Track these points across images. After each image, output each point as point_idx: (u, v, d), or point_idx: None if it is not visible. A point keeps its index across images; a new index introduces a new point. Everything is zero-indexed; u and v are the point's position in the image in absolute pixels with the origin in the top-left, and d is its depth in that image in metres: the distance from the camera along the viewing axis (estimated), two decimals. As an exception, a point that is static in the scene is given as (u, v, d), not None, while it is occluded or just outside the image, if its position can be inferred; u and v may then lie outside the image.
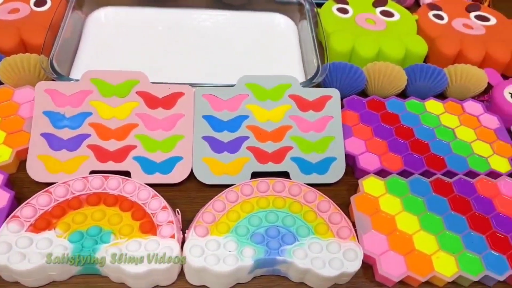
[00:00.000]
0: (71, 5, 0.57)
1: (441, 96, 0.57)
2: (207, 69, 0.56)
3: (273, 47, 0.61)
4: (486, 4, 0.72)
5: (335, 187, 0.48)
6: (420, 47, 0.58)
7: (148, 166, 0.45)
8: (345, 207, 0.45)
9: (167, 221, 0.40)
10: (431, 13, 0.65)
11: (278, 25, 0.65)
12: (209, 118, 0.48)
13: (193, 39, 0.61)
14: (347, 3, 0.65)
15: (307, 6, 0.62)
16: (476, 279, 0.40)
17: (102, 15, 0.62)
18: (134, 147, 0.46)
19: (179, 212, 0.41)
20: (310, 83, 0.51)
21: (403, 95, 0.57)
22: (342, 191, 0.48)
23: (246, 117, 0.48)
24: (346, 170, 0.49)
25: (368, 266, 0.42)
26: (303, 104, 0.49)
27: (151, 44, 0.59)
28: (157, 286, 0.39)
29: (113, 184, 0.42)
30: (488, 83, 0.57)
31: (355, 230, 0.42)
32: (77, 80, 0.47)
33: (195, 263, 0.37)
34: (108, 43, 0.58)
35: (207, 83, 0.49)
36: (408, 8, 0.71)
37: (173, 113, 0.47)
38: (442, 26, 0.63)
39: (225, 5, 0.66)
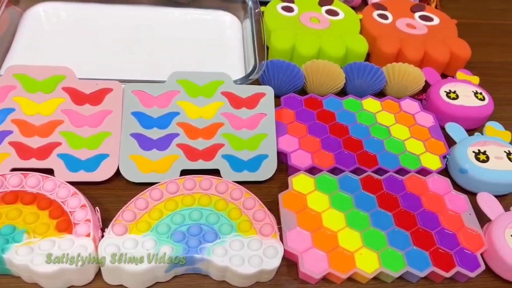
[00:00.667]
0: (3, 3, 0.55)
1: (381, 95, 0.58)
2: (145, 66, 0.56)
3: (217, 44, 0.61)
4: (433, 5, 0.73)
5: (267, 184, 0.47)
6: (361, 46, 0.58)
7: (72, 163, 0.44)
8: (276, 205, 0.45)
9: (84, 219, 0.39)
10: (375, 13, 0.66)
11: (223, 23, 0.65)
12: (138, 115, 0.47)
13: (134, 36, 0.60)
14: (293, 2, 0.65)
15: (250, 4, 0.61)
16: (397, 275, 0.40)
17: (41, 10, 0.60)
18: (58, 144, 0.44)
19: (98, 210, 0.40)
20: (246, 80, 0.51)
21: (344, 93, 0.57)
22: (274, 188, 0.47)
23: (176, 113, 0.47)
24: (280, 167, 0.48)
25: (292, 263, 0.41)
26: (236, 101, 0.49)
27: (89, 40, 0.58)
28: (72, 286, 0.38)
29: (32, 182, 0.41)
30: (427, 82, 0.57)
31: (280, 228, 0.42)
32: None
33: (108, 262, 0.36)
34: (43, 39, 0.57)
35: (137, 79, 0.48)
36: (355, 7, 0.72)
37: (100, 110, 0.46)
38: (385, 25, 0.63)
39: (172, 3, 0.65)
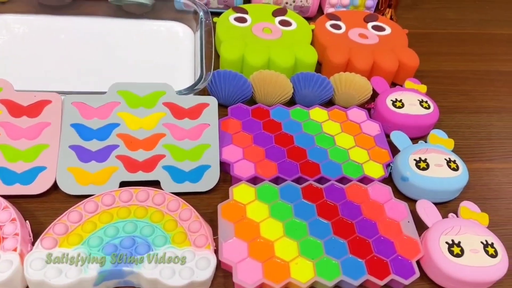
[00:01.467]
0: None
1: (330, 104, 0.58)
2: (92, 78, 0.55)
3: (169, 56, 0.61)
4: (388, 15, 0.74)
5: (210, 195, 0.47)
6: (310, 56, 0.59)
7: (7, 176, 0.43)
8: (217, 215, 0.45)
9: (13, 233, 0.38)
10: (328, 23, 0.66)
11: (176, 33, 0.65)
12: (77, 127, 0.46)
13: (83, 47, 0.60)
14: (246, 13, 0.65)
15: (201, 14, 0.62)
16: (331, 284, 0.40)
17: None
18: (-7, 157, 0.44)
19: (29, 223, 0.40)
20: (192, 90, 0.51)
21: (293, 103, 0.57)
22: (217, 199, 0.47)
23: (116, 125, 0.47)
24: (224, 178, 0.48)
25: (229, 274, 0.41)
26: (178, 112, 0.49)
27: (37, 51, 0.58)
28: (-2, 302, 0.37)
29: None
30: (375, 91, 0.58)
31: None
32: None
33: (33, 276, 0.36)
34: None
35: (77, 91, 0.48)
36: (311, 18, 0.72)
37: (38, 122, 0.46)
38: (336, 35, 0.64)
39: (126, 14, 0.65)
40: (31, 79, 0.53)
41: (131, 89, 0.48)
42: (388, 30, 0.66)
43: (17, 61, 0.56)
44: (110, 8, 0.65)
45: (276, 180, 0.48)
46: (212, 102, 0.50)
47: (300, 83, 0.56)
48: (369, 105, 0.58)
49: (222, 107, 0.54)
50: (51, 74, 0.55)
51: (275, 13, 0.66)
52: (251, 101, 0.57)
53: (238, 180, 0.47)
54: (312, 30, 0.65)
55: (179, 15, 0.66)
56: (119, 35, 0.63)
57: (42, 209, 0.44)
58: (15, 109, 0.45)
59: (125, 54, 0.60)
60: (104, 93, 0.48)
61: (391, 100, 0.56)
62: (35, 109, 0.46)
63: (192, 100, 0.49)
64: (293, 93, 0.56)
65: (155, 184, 0.46)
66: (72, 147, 0.45)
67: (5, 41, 0.59)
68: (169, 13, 0.66)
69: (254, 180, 0.47)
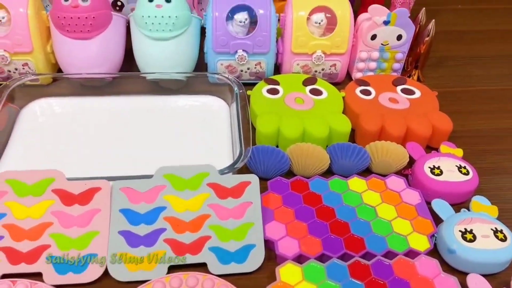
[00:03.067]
0: (2, 100, 0.59)
1: (367, 170, 0.59)
2: (134, 159, 0.57)
3: (205, 130, 0.63)
4: (415, 77, 0.76)
5: (256, 275, 0.47)
6: (344, 126, 0.60)
7: (60, 266, 0.45)
8: (265, 296, 0.45)
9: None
10: (358, 89, 0.68)
11: (212, 107, 0.67)
12: (126, 212, 0.48)
13: (124, 128, 0.62)
14: (278, 84, 0.68)
15: (236, 89, 0.64)
16: None
17: (36, 107, 0.64)
18: (47, 246, 0.45)
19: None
20: (232, 168, 0.52)
21: (330, 172, 0.58)
22: (263, 279, 0.47)
23: (163, 208, 0.48)
24: (268, 255, 0.49)
25: None
26: (221, 192, 0.50)
27: (81, 134, 0.61)
28: None
29: (20, 289, 0.42)
30: (411, 157, 0.58)
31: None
32: (-6, 182, 0.48)
33: None
34: (38, 135, 0.60)
35: (125, 175, 0.50)
36: (339, 83, 0.74)
37: (89, 209, 0.47)
38: (367, 101, 0.65)
39: (164, 90, 0.68)
40: (76, 163, 0.55)
41: (176, 172, 0.50)
42: (417, 93, 0.68)
43: (61, 144, 0.59)
44: (148, 84, 0.68)
45: (321, 257, 0.48)
46: (253, 180, 0.51)
47: (337, 154, 0.57)
48: (406, 171, 0.58)
49: (261, 179, 0.55)
50: (95, 156, 0.58)
51: (306, 83, 0.68)
52: (289, 172, 0.58)
53: (283, 258, 0.47)
54: (343, 98, 0.66)
55: (214, 89, 0.68)
56: (157, 112, 0.65)
57: (94, 297, 0.45)
58: (67, 198, 0.47)
59: (164, 131, 0.62)
60: (150, 176, 0.50)
61: (429, 167, 0.56)
62: (86, 196, 0.48)
63: (234, 179, 0.51)
64: (330, 163, 0.57)
65: (202, 266, 0.46)
66: (121, 232, 0.47)
67: (50, 124, 0.62)
68: (204, 87, 0.68)
69: (299, 258, 0.48)
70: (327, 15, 0.69)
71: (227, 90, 0.67)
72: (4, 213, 0.46)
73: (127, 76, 0.68)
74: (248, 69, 0.70)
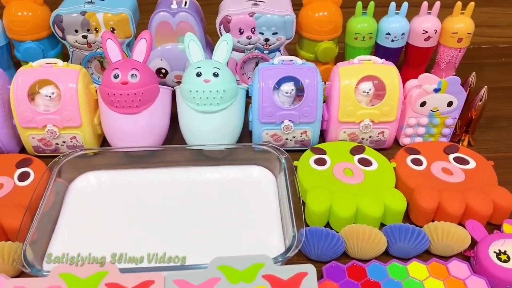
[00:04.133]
0: (52, 180, 0.59)
1: (426, 252, 0.56)
2: (183, 241, 0.56)
3: (254, 206, 0.61)
4: (465, 142, 0.73)
5: None
6: (399, 204, 0.57)
7: None
8: None
9: None
10: (409, 158, 0.65)
11: (258, 178, 0.65)
12: (180, 307, 0.46)
13: (172, 202, 0.61)
14: (325, 153, 0.66)
15: (283, 161, 0.62)
16: None
17: (84, 182, 0.64)
18: None
19: None
20: (285, 256, 0.50)
21: (386, 252, 0.55)
22: None
23: (218, 303, 0.46)
24: None
25: None
26: (278, 285, 0.47)
27: (129, 210, 0.60)
28: None
29: None
30: (472, 237, 0.55)
31: None
32: (48, 272, 0.47)
33: None
34: (87, 210, 0.59)
35: (177, 266, 0.49)
36: (387, 149, 0.72)
37: (143, 304, 0.46)
38: (420, 173, 0.63)
39: (207, 158, 0.67)
40: (125, 245, 0.54)
41: (231, 263, 0.48)
42: (472, 163, 0.65)
43: (111, 223, 0.58)
44: (191, 153, 0.67)
45: None
46: (310, 270, 0.48)
47: (394, 236, 0.54)
48: (468, 252, 0.55)
49: (312, 261, 0.53)
50: (141, 236, 0.57)
51: (353, 152, 0.66)
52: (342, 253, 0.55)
53: None
54: (394, 168, 0.64)
55: (259, 157, 0.67)
56: (202, 184, 0.64)
57: None
58: (121, 292, 0.46)
59: (211, 206, 0.61)
60: (204, 266, 0.48)
61: (494, 252, 0.53)
62: (139, 290, 0.46)
63: (290, 270, 0.48)
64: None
65: None
66: (176, 330, 0.45)
67: (98, 201, 0.61)
68: (248, 156, 0.67)
69: None
70: (374, 82, 0.67)
71: (273, 160, 0.65)
72: (58, 309, 0.45)
73: (173, 149, 0.67)
74: (294, 137, 0.69)
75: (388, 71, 0.67)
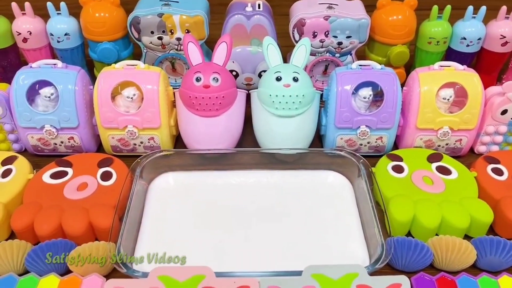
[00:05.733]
0: (135, 181, 0.60)
1: (514, 265, 0.54)
2: (264, 244, 0.56)
3: (331, 211, 0.61)
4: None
5: None
6: (485, 215, 0.56)
7: None
8: None
9: None
10: (489, 168, 0.64)
11: (333, 183, 0.65)
12: (275, 313, 0.46)
13: (249, 206, 0.61)
14: (401, 160, 0.65)
15: (361, 166, 0.62)
16: None
17: (163, 183, 0.64)
18: None
19: None
20: (374, 267, 0.50)
21: (473, 265, 0.54)
22: None
23: (313, 311, 0.47)
24: None
25: None
26: (371, 295, 0.47)
27: (209, 213, 0.60)
28: None
29: None
30: None
31: None
32: (144, 274, 0.48)
33: None
34: (168, 215, 0.60)
35: (271, 272, 0.49)
36: (462, 157, 0.71)
37: (239, 309, 0.46)
38: (503, 184, 0.61)
39: (279, 162, 0.67)
40: (210, 249, 0.55)
41: (325, 272, 0.48)
42: (557, 174, 0.63)
43: (193, 224, 0.59)
44: (263, 157, 0.67)
45: None
46: (404, 282, 0.48)
47: (484, 249, 0.53)
48: (560, 269, 0.54)
49: (398, 272, 0.53)
50: (221, 237, 0.57)
51: (431, 159, 0.65)
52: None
53: None
54: (475, 177, 0.63)
55: (333, 162, 0.66)
56: (276, 189, 0.64)
57: None
58: (217, 297, 0.47)
59: (290, 211, 0.61)
60: (297, 273, 0.48)
61: None
62: (235, 296, 0.47)
63: (384, 281, 0.48)
64: (475, 258, 0.53)
65: None
66: (272, 336, 0.45)
67: (178, 202, 0.62)
68: (322, 160, 0.67)
69: None
70: (455, 89, 0.66)
71: (349, 165, 0.65)
72: (157, 310, 0.46)
73: (247, 151, 0.67)
74: (368, 143, 0.69)
75: (470, 78, 0.66)
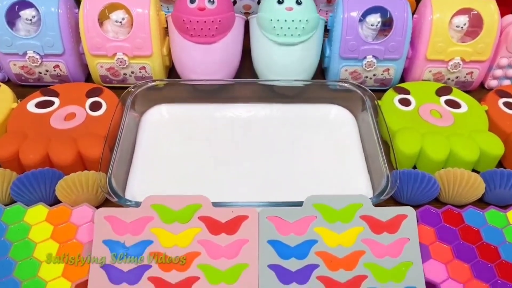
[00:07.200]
0: (127, 111, 0.56)
1: (521, 200, 0.52)
2: (264, 176, 0.54)
3: (334, 145, 0.58)
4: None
5: (415, 321, 0.43)
6: (496, 148, 0.54)
7: (213, 302, 0.42)
8: None
9: None
10: (501, 101, 0.61)
11: (335, 118, 0.62)
12: (274, 244, 0.44)
13: (248, 139, 0.58)
14: (409, 93, 0.62)
15: (366, 99, 0.58)
16: None
17: (156, 115, 0.61)
18: (197, 278, 0.42)
19: None
20: (379, 198, 0.47)
21: (479, 199, 0.52)
22: (424, 326, 0.43)
23: (314, 241, 0.44)
24: (427, 297, 0.44)
25: None
26: (376, 226, 0.45)
27: (205, 146, 0.57)
28: None
29: (177, 328, 0.39)
30: None
31: None
32: (137, 204, 0.45)
33: None
34: (163, 146, 0.57)
35: (271, 202, 0.46)
36: (472, 91, 0.67)
37: (236, 239, 0.44)
38: (515, 117, 0.58)
39: (278, 96, 0.64)
40: (207, 180, 0.53)
41: (327, 202, 0.46)
42: None
43: (189, 157, 0.56)
44: (262, 90, 0.63)
45: (492, 306, 0.43)
46: (410, 213, 0.46)
47: (494, 182, 0.51)
48: None
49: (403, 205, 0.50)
50: (219, 171, 0.54)
51: (439, 93, 0.62)
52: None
53: (447, 304, 0.43)
54: (486, 111, 0.60)
55: (335, 96, 0.63)
56: (276, 122, 0.61)
57: (246, 336, 0.42)
58: (214, 226, 0.44)
59: (290, 145, 0.58)
60: (298, 204, 0.46)
61: None
62: (232, 225, 0.44)
63: (389, 212, 0.46)
64: (483, 191, 0.51)
65: (358, 308, 0.42)
66: (272, 266, 0.43)
67: (172, 135, 0.59)
68: (323, 94, 0.63)
69: (466, 306, 0.43)
70: (470, 16, 0.61)
71: (353, 99, 0.61)
72: (151, 240, 0.44)
73: (245, 83, 0.63)
74: (374, 75, 0.65)
75: (486, 5, 0.61)
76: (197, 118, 0.61)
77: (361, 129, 0.60)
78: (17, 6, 0.59)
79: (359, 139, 0.59)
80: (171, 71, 0.68)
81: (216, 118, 0.61)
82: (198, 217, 0.44)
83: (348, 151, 0.57)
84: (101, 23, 0.61)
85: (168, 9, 0.74)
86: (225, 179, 0.53)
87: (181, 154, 0.56)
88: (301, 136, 0.59)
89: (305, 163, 0.56)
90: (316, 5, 0.73)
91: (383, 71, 0.64)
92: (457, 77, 0.65)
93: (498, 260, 0.45)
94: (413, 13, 0.64)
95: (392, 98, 0.61)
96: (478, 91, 0.68)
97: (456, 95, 0.62)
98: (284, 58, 0.60)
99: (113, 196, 0.46)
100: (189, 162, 0.55)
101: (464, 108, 0.60)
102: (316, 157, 0.57)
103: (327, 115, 0.62)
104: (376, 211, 0.46)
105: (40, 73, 0.63)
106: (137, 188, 0.52)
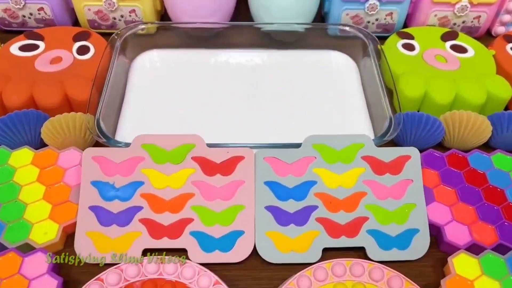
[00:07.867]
0: (116, 54, 0.53)
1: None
2: (261, 120, 0.51)
3: (334, 91, 0.55)
4: None
5: (418, 263, 0.42)
6: (504, 91, 0.51)
7: (206, 242, 0.40)
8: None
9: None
10: (509, 46, 0.58)
11: (336, 64, 0.59)
12: (272, 185, 0.42)
13: (244, 84, 0.56)
14: (413, 38, 0.59)
15: (369, 43, 0.56)
16: None
17: (147, 61, 0.58)
18: (190, 220, 0.41)
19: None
20: (382, 140, 0.45)
21: (485, 144, 0.50)
22: (427, 267, 0.41)
23: (314, 182, 0.42)
24: (430, 241, 0.42)
25: None
26: (378, 167, 0.43)
27: (199, 91, 0.54)
28: None
29: (170, 269, 0.38)
30: None
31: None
32: (127, 145, 0.43)
33: None
34: (155, 92, 0.54)
35: (268, 143, 0.44)
36: (478, 38, 0.64)
37: (232, 180, 0.42)
38: (524, 62, 0.56)
39: (277, 43, 0.61)
40: (200, 124, 0.50)
41: (327, 142, 0.43)
42: None
43: (182, 102, 0.53)
44: (258, 36, 0.60)
45: (497, 248, 0.41)
46: (413, 154, 0.44)
47: (501, 124, 0.48)
48: None
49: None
50: (213, 117, 0.52)
51: (445, 37, 0.59)
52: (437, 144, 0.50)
53: (451, 247, 0.41)
54: (493, 56, 0.57)
55: (336, 42, 0.60)
56: (275, 68, 0.58)
57: (242, 278, 0.40)
58: (209, 167, 0.42)
59: (289, 90, 0.55)
60: (296, 145, 0.43)
61: None
62: (228, 166, 0.42)
63: (392, 153, 0.44)
64: (489, 135, 0.49)
65: (359, 250, 0.41)
66: (269, 208, 0.42)
67: (164, 80, 0.56)
68: (323, 40, 0.60)
69: (470, 248, 0.41)
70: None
71: (354, 44, 0.58)
72: (142, 181, 0.42)
73: (241, 27, 0.60)
74: (377, 20, 0.61)
75: None
76: (190, 64, 0.58)
77: (362, 75, 0.57)
78: None
79: (361, 86, 0.56)
80: (163, 18, 0.65)
81: (211, 64, 0.58)
82: (191, 158, 0.42)
83: (350, 97, 0.55)
84: (87, -38, 0.57)
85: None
86: (220, 122, 0.50)
87: (174, 99, 0.53)
88: (300, 81, 0.57)
89: (304, 107, 0.53)
90: None
91: (386, 15, 0.61)
92: (463, 22, 0.62)
93: (505, 203, 0.44)
94: (419, -47, 0.60)
95: (395, 43, 0.58)
96: (485, 38, 0.65)
97: (463, 40, 0.59)
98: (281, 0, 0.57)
99: (102, 137, 0.44)
100: (183, 107, 0.52)
101: (470, 53, 0.57)
102: (315, 102, 0.54)
103: (327, 61, 0.59)
104: (378, 152, 0.44)
105: (24, 16, 0.59)
106: (127, 132, 0.49)
